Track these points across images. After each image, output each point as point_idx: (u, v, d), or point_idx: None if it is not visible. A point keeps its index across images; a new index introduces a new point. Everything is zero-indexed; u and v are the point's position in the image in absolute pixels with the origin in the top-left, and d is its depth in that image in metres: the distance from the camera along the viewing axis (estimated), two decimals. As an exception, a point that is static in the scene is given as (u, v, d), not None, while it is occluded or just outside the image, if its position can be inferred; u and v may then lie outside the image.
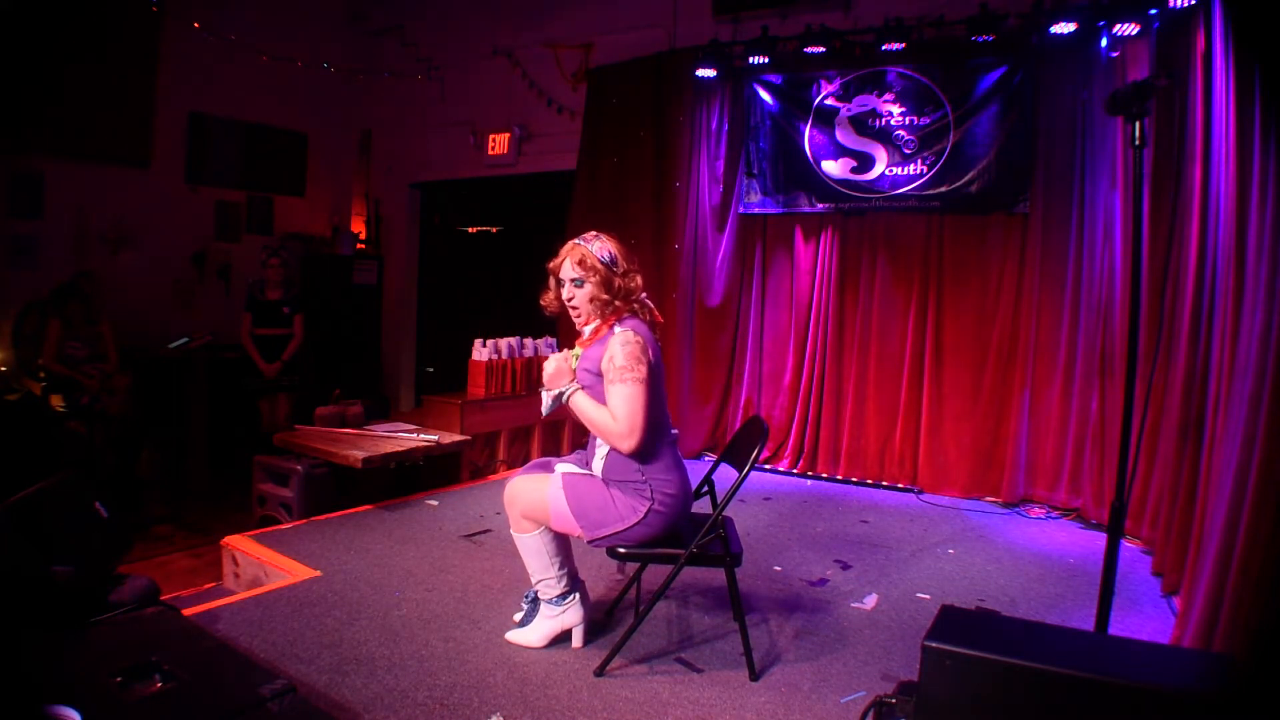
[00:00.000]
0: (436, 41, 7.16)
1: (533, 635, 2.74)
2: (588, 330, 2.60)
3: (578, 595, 2.73)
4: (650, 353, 2.50)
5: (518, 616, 2.90)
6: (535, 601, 2.77)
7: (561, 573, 2.67)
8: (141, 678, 1.93)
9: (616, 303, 2.54)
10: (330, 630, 2.81)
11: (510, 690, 2.45)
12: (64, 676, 1.93)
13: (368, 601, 3.07)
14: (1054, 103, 4.66)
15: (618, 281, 2.52)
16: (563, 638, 2.75)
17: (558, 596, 2.69)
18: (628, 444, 2.44)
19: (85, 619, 2.29)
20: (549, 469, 2.71)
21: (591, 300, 2.54)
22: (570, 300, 2.57)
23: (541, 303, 2.69)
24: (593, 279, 2.52)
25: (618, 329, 2.50)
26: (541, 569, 2.66)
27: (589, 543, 2.54)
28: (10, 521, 2.43)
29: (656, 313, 2.66)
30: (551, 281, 2.63)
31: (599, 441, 2.61)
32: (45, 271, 5.60)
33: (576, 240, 2.58)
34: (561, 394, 2.55)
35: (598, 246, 2.55)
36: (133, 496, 5.28)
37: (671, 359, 5.84)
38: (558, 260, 2.59)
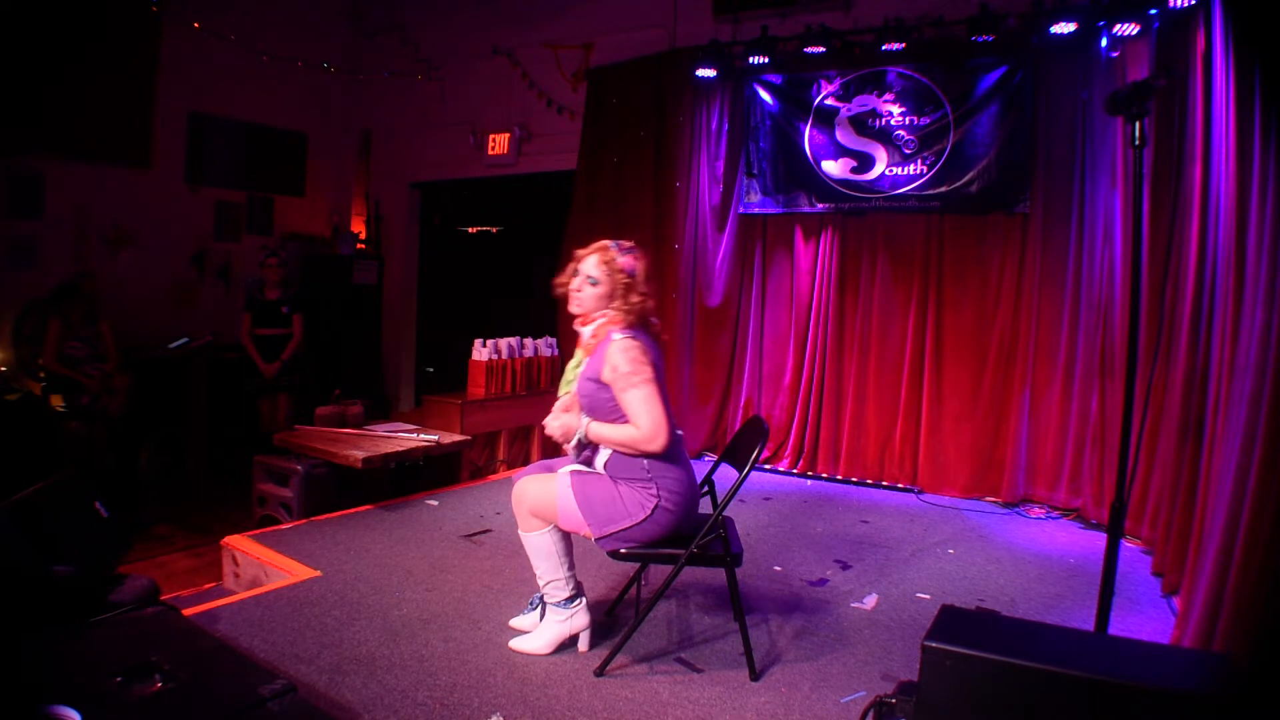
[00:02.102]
0: (436, 41, 7.15)
1: (540, 642, 2.70)
2: (587, 331, 2.62)
3: (584, 599, 2.72)
4: (650, 355, 2.51)
5: (514, 621, 2.89)
6: (541, 606, 2.76)
7: (570, 574, 2.67)
8: (141, 678, 1.92)
9: (624, 318, 2.55)
10: (330, 630, 2.81)
11: (510, 690, 2.45)
12: (64, 676, 1.93)
13: (368, 601, 3.07)
14: (1054, 103, 4.66)
15: (633, 297, 2.56)
16: (567, 642, 2.74)
17: (566, 600, 2.67)
18: (657, 444, 2.45)
19: (85, 619, 2.29)
20: (552, 470, 2.71)
21: (597, 301, 2.57)
22: (578, 292, 2.60)
23: (555, 282, 2.70)
24: (606, 284, 2.56)
25: (615, 336, 2.51)
26: (550, 570, 2.64)
27: (597, 540, 2.53)
28: (10, 521, 2.43)
29: (662, 332, 2.69)
30: (570, 267, 2.66)
31: (599, 453, 2.63)
32: (45, 271, 5.59)
33: (610, 242, 2.64)
34: (581, 439, 2.58)
35: (626, 259, 2.58)
36: (133, 496, 5.28)
37: (672, 359, 5.84)
38: (586, 250, 2.63)
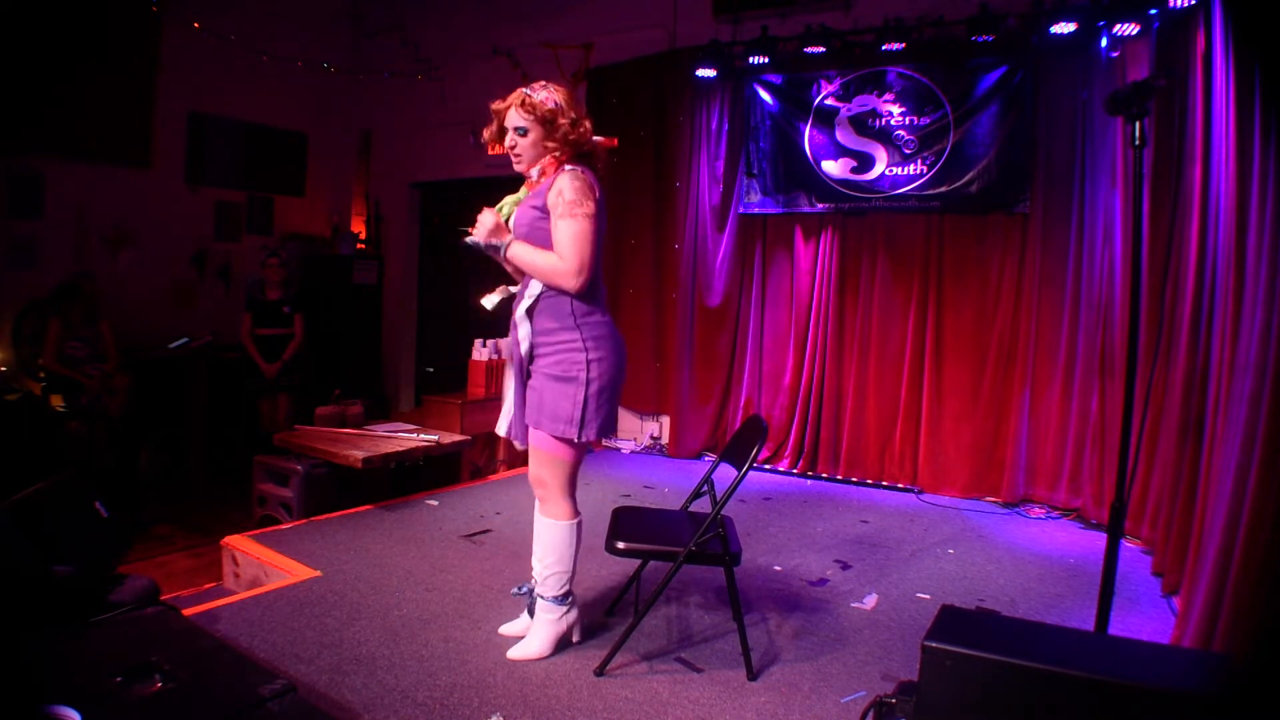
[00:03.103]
0: (436, 41, 7.15)
1: (537, 645, 2.66)
2: (534, 173, 2.57)
3: (574, 597, 2.71)
4: (596, 193, 2.50)
5: (504, 628, 2.84)
6: (531, 605, 2.72)
7: (573, 570, 2.65)
8: (141, 678, 1.93)
9: (565, 150, 2.50)
10: (330, 630, 2.81)
11: (510, 690, 2.45)
12: (64, 676, 1.93)
13: (368, 601, 3.07)
14: (1054, 103, 4.66)
15: (564, 129, 2.49)
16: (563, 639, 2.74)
17: (563, 596, 2.66)
18: (575, 281, 2.44)
19: (85, 619, 2.29)
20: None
21: (534, 147, 2.51)
22: (513, 148, 2.53)
23: (491, 153, 2.61)
24: (537, 128, 2.49)
25: (566, 168, 2.50)
26: (560, 560, 2.60)
27: (581, 438, 2.51)
28: (10, 521, 2.43)
29: (603, 163, 2.64)
30: (495, 126, 2.58)
31: (529, 290, 2.57)
32: (45, 271, 5.59)
33: (524, 89, 2.53)
34: (497, 247, 2.51)
35: (544, 95, 2.50)
36: (133, 496, 5.28)
37: (671, 359, 5.84)
38: (503, 106, 2.54)
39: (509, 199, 2.63)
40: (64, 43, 5.58)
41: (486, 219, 2.52)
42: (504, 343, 2.71)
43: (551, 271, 2.46)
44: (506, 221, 2.58)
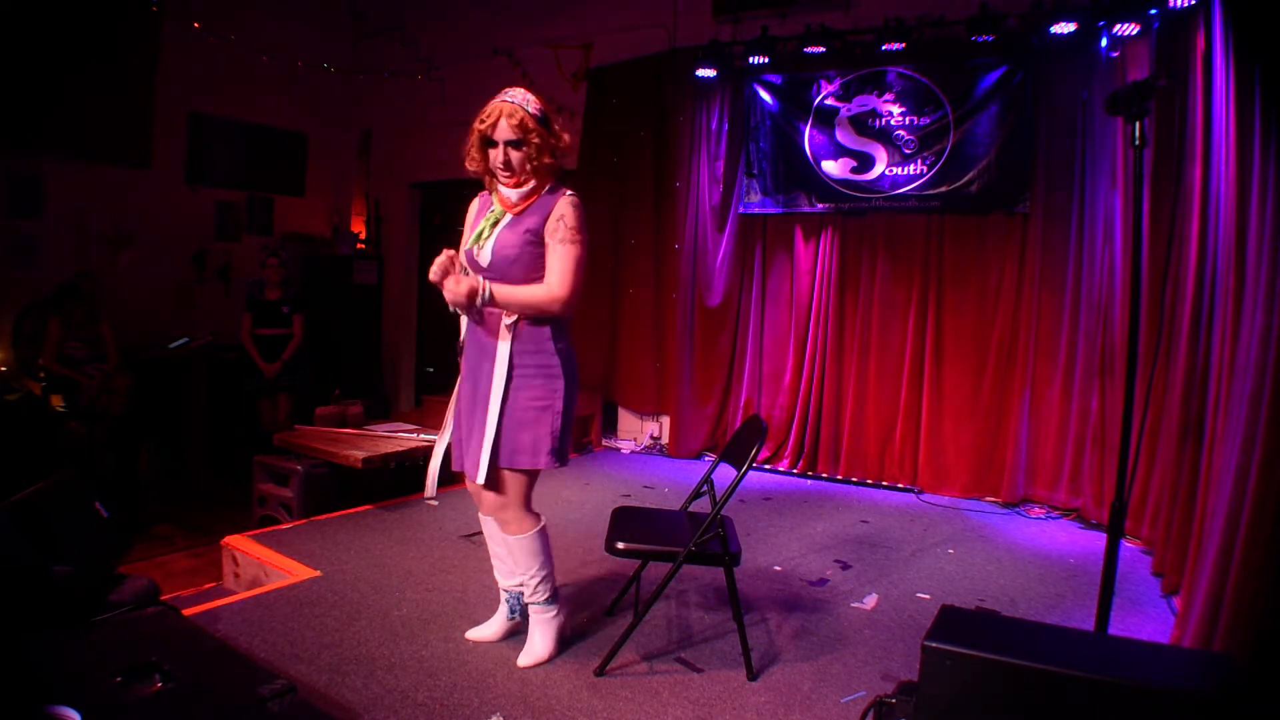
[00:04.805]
0: (436, 41, 7.15)
1: (543, 649, 2.64)
2: (515, 194, 2.46)
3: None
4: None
5: (472, 633, 2.81)
6: (524, 614, 2.71)
7: (553, 569, 2.65)
8: (141, 678, 1.93)
9: (551, 162, 2.44)
10: (330, 630, 2.81)
11: (510, 690, 2.46)
12: (64, 676, 1.93)
13: (368, 601, 3.07)
14: (1054, 103, 4.66)
15: (553, 140, 2.44)
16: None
17: (552, 596, 2.66)
18: (561, 305, 2.41)
19: (85, 619, 2.29)
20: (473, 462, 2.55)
21: (529, 161, 2.41)
22: (505, 164, 2.42)
23: (468, 164, 2.49)
24: (533, 140, 2.40)
25: (567, 193, 2.47)
26: (542, 566, 2.59)
27: (549, 462, 2.46)
28: (10, 521, 2.43)
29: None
30: (476, 140, 2.44)
31: (506, 317, 2.45)
32: (45, 271, 5.59)
33: (506, 98, 2.44)
34: (479, 297, 2.35)
35: (533, 105, 2.43)
36: (133, 496, 5.28)
37: (671, 359, 5.85)
38: (487, 122, 2.42)
39: (484, 225, 2.49)
40: (64, 43, 5.56)
41: (459, 286, 2.34)
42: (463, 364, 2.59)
43: (545, 301, 2.41)
44: (478, 240, 2.47)
